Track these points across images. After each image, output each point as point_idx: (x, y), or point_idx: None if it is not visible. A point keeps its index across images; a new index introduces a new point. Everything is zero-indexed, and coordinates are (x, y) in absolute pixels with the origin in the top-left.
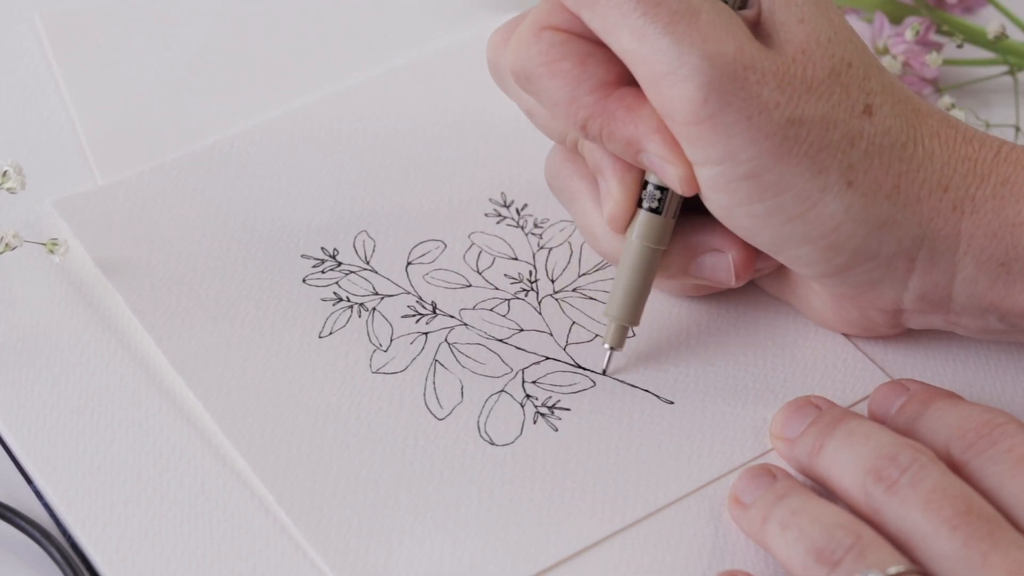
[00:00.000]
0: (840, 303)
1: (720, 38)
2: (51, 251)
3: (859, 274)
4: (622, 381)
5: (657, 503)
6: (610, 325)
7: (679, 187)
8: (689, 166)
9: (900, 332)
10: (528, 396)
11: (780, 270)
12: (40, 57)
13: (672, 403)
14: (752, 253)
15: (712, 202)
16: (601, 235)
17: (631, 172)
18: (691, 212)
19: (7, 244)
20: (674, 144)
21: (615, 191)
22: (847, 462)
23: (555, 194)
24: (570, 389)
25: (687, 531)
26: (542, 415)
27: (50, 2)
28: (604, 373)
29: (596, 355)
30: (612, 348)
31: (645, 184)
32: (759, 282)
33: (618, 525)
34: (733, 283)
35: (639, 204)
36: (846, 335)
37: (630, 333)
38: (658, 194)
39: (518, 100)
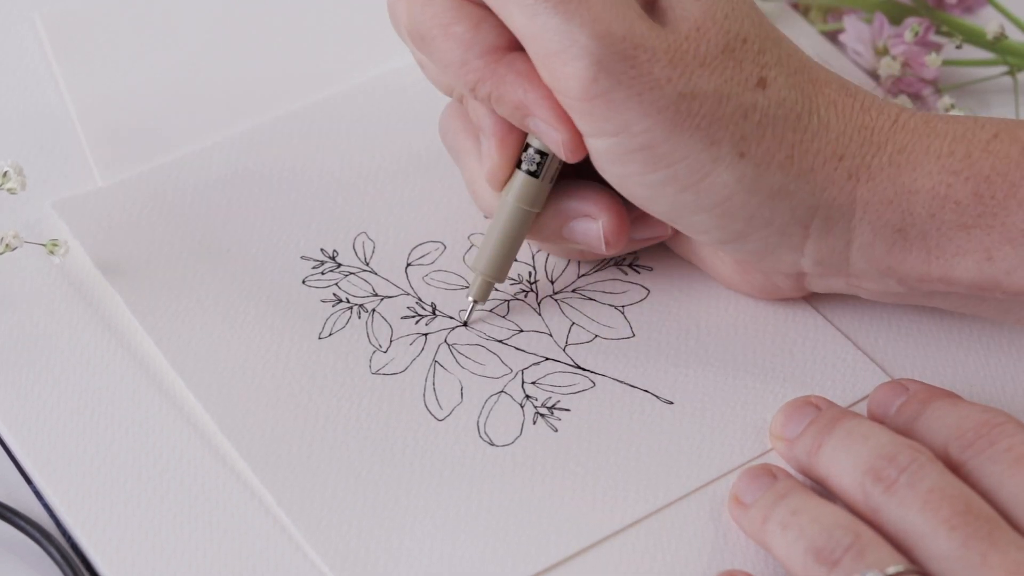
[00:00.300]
0: (743, 267)
1: (610, 18)
2: (51, 252)
3: (755, 241)
4: (621, 381)
5: (657, 503)
6: (476, 279)
7: (562, 153)
8: (574, 133)
9: (805, 295)
10: (528, 397)
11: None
12: (40, 57)
13: (672, 403)
14: (624, 222)
15: (607, 172)
16: (482, 192)
17: (511, 134)
18: (568, 177)
19: (7, 245)
20: (560, 111)
21: (494, 152)
22: (845, 462)
23: (447, 150)
24: (570, 390)
25: (687, 531)
26: (542, 415)
27: (50, 2)
28: (466, 325)
29: (596, 356)
30: (475, 301)
31: (526, 147)
32: (669, 244)
33: (618, 525)
34: (604, 250)
35: (518, 165)
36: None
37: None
38: (537, 158)
39: (412, 51)
